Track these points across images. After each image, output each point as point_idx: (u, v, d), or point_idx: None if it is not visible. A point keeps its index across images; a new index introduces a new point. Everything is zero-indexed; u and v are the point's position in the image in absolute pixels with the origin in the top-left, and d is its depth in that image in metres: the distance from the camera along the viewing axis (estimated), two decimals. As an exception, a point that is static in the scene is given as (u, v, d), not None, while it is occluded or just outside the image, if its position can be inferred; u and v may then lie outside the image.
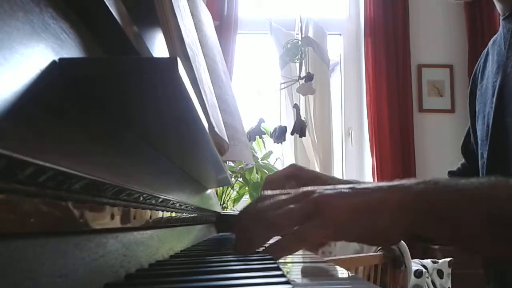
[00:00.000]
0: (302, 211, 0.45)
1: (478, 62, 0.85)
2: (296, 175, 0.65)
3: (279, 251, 0.45)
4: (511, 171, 0.65)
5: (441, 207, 0.44)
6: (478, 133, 0.78)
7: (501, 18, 0.75)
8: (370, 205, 0.45)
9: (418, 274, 1.97)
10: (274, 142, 2.06)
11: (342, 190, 0.46)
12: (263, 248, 0.47)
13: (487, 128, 0.73)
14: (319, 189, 0.47)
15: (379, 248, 1.72)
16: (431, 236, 0.46)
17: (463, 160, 0.91)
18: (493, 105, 0.71)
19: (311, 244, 0.47)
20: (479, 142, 0.77)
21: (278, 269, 0.37)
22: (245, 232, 0.49)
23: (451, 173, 0.92)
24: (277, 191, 0.51)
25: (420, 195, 0.44)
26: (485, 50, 0.82)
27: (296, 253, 0.58)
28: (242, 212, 0.53)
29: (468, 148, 0.87)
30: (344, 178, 0.74)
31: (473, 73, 0.86)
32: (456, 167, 0.92)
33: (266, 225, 0.46)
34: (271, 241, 0.47)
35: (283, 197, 0.48)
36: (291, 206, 0.46)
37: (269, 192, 0.51)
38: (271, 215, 0.46)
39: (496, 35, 0.78)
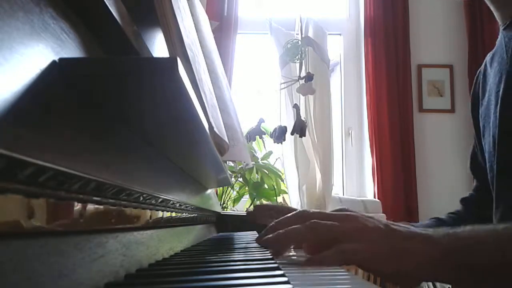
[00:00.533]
0: (345, 232, 0.50)
1: (475, 80, 0.85)
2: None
3: (321, 262, 0.48)
4: None
5: (462, 259, 0.48)
6: (486, 147, 0.77)
7: (501, 28, 0.75)
8: (402, 250, 0.49)
9: (418, 274, 1.97)
10: (274, 142, 2.06)
11: (381, 226, 0.52)
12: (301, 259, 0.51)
13: (493, 139, 0.72)
14: (358, 215, 0.53)
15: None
16: (447, 281, 0.51)
17: (474, 184, 0.92)
18: (497, 114, 0.70)
19: (347, 264, 0.50)
20: (487, 156, 0.77)
21: (278, 269, 0.37)
22: (284, 225, 0.53)
23: (464, 200, 0.94)
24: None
25: (447, 252, 0.49)
26: (482, 67, 0.82)
27: (296, 253, 0.58)
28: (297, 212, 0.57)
29: (476, 166, 0.88)
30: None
31: (472, 92, 0.86)
32: (469, 193, 0.93)
33: (311, 228, 0.51)
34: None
35: (332, 212, 0.54)
36: (336, 223, 0.51)
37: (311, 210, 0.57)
38: (317, 222, 0.51)
39: (494, 49, 0.78)
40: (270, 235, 0.52)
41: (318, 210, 0.56)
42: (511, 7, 0.72)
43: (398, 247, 0.50)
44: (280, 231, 0.52)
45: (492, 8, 0.76)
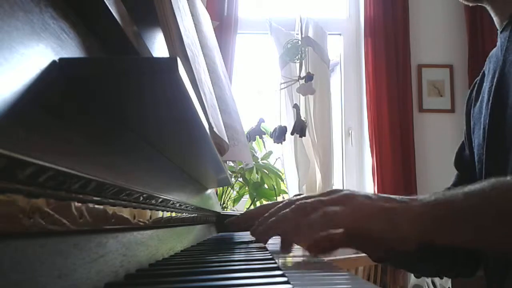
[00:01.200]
0: (330, 200, 0.51)
1: (472, 88, 0.86)
2: None
3: (310, 231, 0.49)
4: (509, 163, 0.66)
5: (455, 211, 0.48)
6: (475, 141, 0.78)
7: (498, 32, 0.76)
8: (393, 209, 0.50)
9: (418, 274, 1.97)
10: (274, 142, 2.06)
11: (368, 194, 0.53)
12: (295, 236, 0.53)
13: (484, 130, 0.73)
14: (346, 190, 0.54)
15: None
16: (444, 240, 0.49)
17: (453, 179, 0.94)
18: (489, 106, 0.71)
19: (334, 228, 0.50)
20: (476, 149, 0.78)
21: (278, 269, 0.37)
22: (273, 215, 0.55)
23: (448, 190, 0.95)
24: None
25: (436, 204, 0.49)
26: (478, 78, 0.83)
27: (296, 253, 0.58)
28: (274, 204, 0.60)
29: (462, 161, 0.89)
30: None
31: (467, 96, 0.87)
32: (451, 184, 0.95)
33: (296, 208, 0.52)
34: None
35: (317, 197, 0.54)
36: (321, 198, 0.52)
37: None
38: (302, 202, 0.52)
39: (491, 53, 0.79)
40: (261, 227, 0.55)
41: (304, 195, 0.58)
42: (506, 11, 0.73)
43: (386, 207, 0.50)
44: (271, 219, 0.54)
45: (492, 14, 0.77)
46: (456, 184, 0.94)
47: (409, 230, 0.49)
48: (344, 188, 0.70)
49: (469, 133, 0.83)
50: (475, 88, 0.83)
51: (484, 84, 0.78)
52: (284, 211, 0.54)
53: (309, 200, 0.53)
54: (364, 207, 0.50)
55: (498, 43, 0.75)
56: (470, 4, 0.79)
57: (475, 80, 0.85)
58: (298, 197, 0.57)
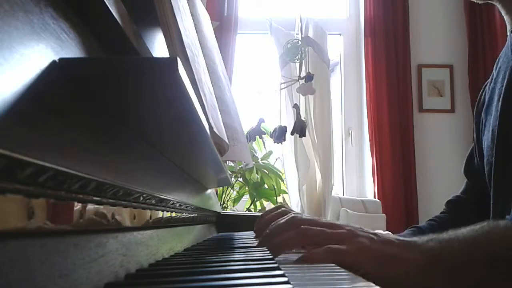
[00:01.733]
0: (333, 235, 0.53)
1: (482, 90, 0.85)
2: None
3: (315, 259, 0.51)
4: None
5: (447, 262, 0.51)
6: (485, 144, 0.78)
7: (508, 31, 0.76)
8: (393, 256, 0.52)
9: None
10: (274, 142, 2.06)
11: (371, 235, 0.54)
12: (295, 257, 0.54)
13: (493, 132, 0.73)
14: (348, 226, 0.56)
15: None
16: (435, 286, 0.52)
17: (463, 187, 0.93)
18: (499, 108, 0.71)
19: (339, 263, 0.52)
20: (485, 152, 0.77)
21: (278, 269, 0.37)
22: (281, 232, 0.56)
23: (451, 203, 0.96)
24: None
25: (432, 257, 0.51)
26: (490, 78, 0.83)
27: (296, 253, 0.58)
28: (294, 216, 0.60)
29: (471, 169, 0.89)
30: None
31: (477, 102, 0.86)
32: (454, 196, 0.95)
33: (302, 234, 0.54)
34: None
35: (323, 220, 0.58)
36: (327, 230, 0.54)
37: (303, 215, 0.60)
38: (308, 228, 0.54)
39: (500, 53, 0.79)
40: (272, 240, 0.56)
41: (310, 217, 0.59)
42: None
43: (387, 253, 0.52)
44: (274, 240, 0.55)
45: (503, 12, 0.77)
46: (464, 192, 0.93)
47: (407, 278, 0.51)
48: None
49: (479, 136, 0.82)
50: (484, 91, 0.83)
51: (493, 85, 0.77)
52: (288, 234, 0.55)
53: (315, 229, 0.54)
54: (367, 250, 0.52)
55: (508, 42, 0.75)
56: (480, 3, 0.78)
57: (485, 83, 0.84)
58: (303, 217, 0.58)
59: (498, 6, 0.77)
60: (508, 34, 0.76)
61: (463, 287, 0.52)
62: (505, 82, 0.71)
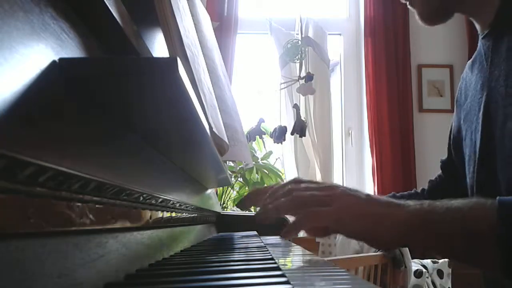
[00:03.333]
0: (322, 197, 0.57)
1: (459, 87, 0.86)
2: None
3: (294, 226, 0.57)
4: (500, 184, 0.66)
5: (430, 224, 0.52)
6: (466, 150, 0.78)
7: (480, 37, 0.76)
8: (374, 214, 0.54)
9: (418, 274, 1.97)
10: (274, 142, 2.06)
11: (359, 194, 0.57)
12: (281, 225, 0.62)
13: (474, 145, 0.73)
14: (343, 187, 0.59)
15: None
16: (417, 246, 0.54)
17: (435, 177, 0.97)
18: (480, 121, 0.71)
19: (318, 225, 0.58)
20: (466, 159, 0.78)
21: (278, 269, 0.37)
22: (274, 199, 0.62)
23: (430, 182, 1.02)
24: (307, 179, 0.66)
25: (413, 214, 0.53)
26: (464, 73, 0.83)
27: (296, 253, 0.58)
28: (276, 186, 0.67)
29: (449, 165, 0.91)
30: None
31: (455, 99, 0.87)
32: (434, 177, 0.98)
33: (292, 200, 0.59)
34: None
35: (313, 185, 0.61)
36: (316, 192, 0.58)
37: (304, 178, 0.66)
38: (298, 193, 0.59)
39: (473, 56, 0.78)
40: (262, 214, 0.64)
41: (308, 181, 0.64)
42: (486, 17, 0.72)
43: (374, 211, 0.55)
44: (268, 207, 0.61)
45: (471, 19, 0.77)
46: (435, 181, 0.98)
47: (386, 236, 0.54)
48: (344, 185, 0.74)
49: (460, 142, 0.82)
50: (462, 90, 0.83)
51: (472, 87, 0.77)
52: (281, 201, 0.60)
53: (305, 193, 0.59)
54: (350, 209, 0.55)
55: (480, 49, 0.75)
56: (435, 24, 0.76)
57: (460, 82, 0.84)
58: (297, 185, 0.63)
59: (464, 13, 0.77)
60: (480, 40, 0.75)
61: (442, 253, 0.55)
62: (484, 94, 0.71)
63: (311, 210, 0.56)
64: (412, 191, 1.00)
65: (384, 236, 0.54)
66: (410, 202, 0.55)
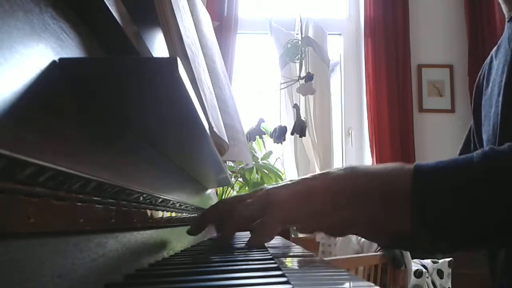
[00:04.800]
0: (256, 205, 0.53)
1: (480, 71, 0.85)
2: None
3: (256, 242, 0.55)
4: None
5: (348, 188, 0.50)
6: (484, 136, 0.77)
7: (506, 20, 0.75)
8: (305, 191, 0.51)
9: (418, 274, 1.97)
10: (274, 142, 2.06)
11: (286, 182, 0.54)
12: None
13: (494, 128, 0.73)
14: (272, 184, 0.57)
15: (379, 248, 1.72)
16: (349, 215, 0.50)
17: None
18: (500, 104, 0.71)
19: (274, 233, 0.55)
20: (485, 144, 0.77)
21: (278, 269, 0.37)
22: (222, 225, 0.59)
23: None
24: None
25: (337, 178, 0.51)
26: (488, 59, 0.82)
27: (296, 253, 0.58)
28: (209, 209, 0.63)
29: (467, 153, 0.89)
30: None
31: (476, 83, 0.86)
32: None
33: (227, 221, 0.57)
34: None
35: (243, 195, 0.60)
36: (248, 201, 0.55)
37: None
38: (235, 213, 0.55)
39: (499, 41, 0.78)
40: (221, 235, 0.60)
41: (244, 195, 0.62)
42: None
43: (301, 190, 0.51)
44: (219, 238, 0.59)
45: (500, 1, 0.76)
46: None
47: (321, 208, 0.50)
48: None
49: (478, 125, 0.82)
50: (484, 76, 0.82)
51: (493, 73, 0.77)
52: (225, 224, 0.57)
53: (238, 208, 0.55)
54: (282, 204, 0.52)
55: (506, 32, 0.75)
56: None
57: (482, 67, 0.84)
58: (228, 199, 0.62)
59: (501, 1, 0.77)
60: (506, 23, 0.75)
61: (359, 222, 0.51)
62: (505, 77, 0.70)
63: (259, 225, 0.53)
64: None
65: (320, 210, 0.50)
66: (335, 169, 0.53)
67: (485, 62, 0.84)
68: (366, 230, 0.52)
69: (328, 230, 0.53)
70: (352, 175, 0.51)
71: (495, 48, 0.80)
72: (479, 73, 0.85)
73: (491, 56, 0.81)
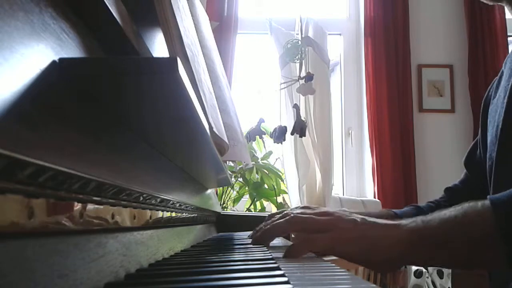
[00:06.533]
0: (321, 222, 0.57)
1: (490, 86, 0.87)
2: None
3: (293, 251, 0.55)
4: None
5: (428, 238, 0.53)
6: (488, 138, 0.78)
7: None
8: (371, 237, 0.54)
9: (418, 274, 1.97)
10: (274, 142, 2.06)
11: (356, 218, 0.57)
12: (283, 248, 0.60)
13: (497, 128, 0.73)
14: (339, 212, 0.60)
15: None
16: (420, 264, 0.57)
17: (462, 176, 0.94)
18: (505, 105, 0.71)
19: (315, 250, 0.58)
20: (488, 145, 0.78)
21: (278, 269, 0.37)
22: (271, 221, 0.62)
23: (448, 190, 0.98)
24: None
25: (410, 232, 0.54)
26: (499, 73, 0.83)
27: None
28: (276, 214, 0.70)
29: (472, 161, 0.89)
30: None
31: (484, 97, 0.87)
32: (453, 184, 0.95)
33: (290, 220, 0.59)
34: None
35: (309, 210, 0.62)
36: (314, 216, 0.58)
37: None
38: (297, 216, 0.59)
39: (509, 53, 0.79)
40: (258, 233, 0.63)
41: (305, 205, 0.68)
42: None
43: (368, 234, 0.55)
44: (266, 227, 0.62)
45: (510, 12, 0.78)
46: (462, 182, 0.95)
47: (384, 257, 0.54)
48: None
49: (484, 131, 0.83)
50: (493, 87, 0.83)
51: (502, 83, 0.78)
52: (279, 221, 0.61)
53: (303, 216, 0.59)
54: (345, 235, 0.55)
55: None
56: (490, 4, 0.79)
57: (494, 79, 0.85)
58: (297, 210, 0.64)
59: (507, 7, 0.78)
60: None
61: (445, 264, 0.56)
62: (511, 82, 0.71)
63: (307, 238, 0.57)
64: (432, 204, 0.97)
65: (382, 258, 0.54)
66: (404, 221, 0.56)
67: (494, 79, 0.85)
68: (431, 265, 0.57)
69: (385, 270, 0.58)
70: (425, 227, 0.53)
71: (505, 60, 0.81)
72: (489, 88, 0.86)
73: (501, 71, 0.82)
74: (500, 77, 0.81)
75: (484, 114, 0.85)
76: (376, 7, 2.64)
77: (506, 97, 0.71)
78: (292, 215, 0.60)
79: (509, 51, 0.79)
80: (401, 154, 2.53)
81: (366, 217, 0.58)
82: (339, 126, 2.74)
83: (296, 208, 0.68)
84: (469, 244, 0.50)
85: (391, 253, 0.53)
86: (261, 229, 0.64)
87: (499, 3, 0.79)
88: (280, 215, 0.64)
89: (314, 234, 0.56)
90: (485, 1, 0.80)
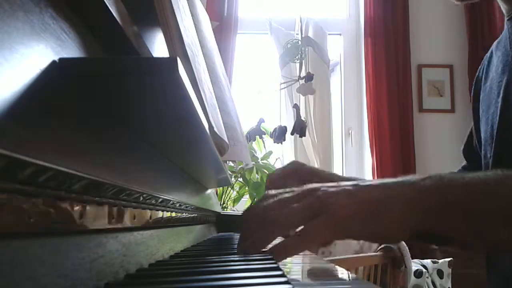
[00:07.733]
0: (306, 210, 0.44)
1: (481, 65, 0.84)
2: (296, 171, 0.68)
3: (284, 251, 0.44)
4: None
5: (451, 201, 0.43)
6: (482, 134, 0.77)
7: (506, 18, 0.75)
8: (375, 202, 0.43)
9: (418, 274, 1.97)
10: (274, 142, 2.06)
11: (346, 187, 0.45)
12: (267, 249, 0.46)
13: (492, 128, 0.72)
14: (323, 186, 0.46)
15: (380, 247, 1.72)
16: (441, 231, 0.44)
17: (464, 163, 0.92)
18: (499, 105, 0.70)
19: (316, 244, 0.46)
20: (483, 142, 0.77)
21: (278, 269, 0.37)
22: (249, 233, 0.47)
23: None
24: (281, 190, 0.49)
25: (428, 191, 0.43)
26: (488, 52, 0.82)
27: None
28: (246, 211, 0.51)
29: (470, 149, 0.88)
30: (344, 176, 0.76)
31: (476, 75, 0.85)
32: (457, 170, 0.92)
33: (270, 225, 0.45)
34: (276, 241, 0.46)
35: (287, 195, 0.47)
36: (295, 205, 0.45)
37: (272, 191, 0.49)
38: (274, 215, 0.45)
39: (500, 37, 0.78)
40: (242, 244, 0.48)
41: (278, 192, 0.49)
42: None
43: (369, 202, 0.44)
44: (246, 243, 0.47)
45: (498, 0, 0.76)
46: (465, 168, 0.93)
47: (398, 226, 0.43)
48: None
49: (477, 125, 0.81)
50: (484, 70, 0.82)
51: (493, 69, 0.76)
52: (258, 236, 0.46)
53: (283, 211, 0.45)
54: (343, 215, 0.43)
55: (505, 32, 0.74)
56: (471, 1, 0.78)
57: (483, 61, 0.83)
58: (269, 201, 0.47)
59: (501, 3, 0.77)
60: (505, 22, 0.75)
61: (469, 237, 0.44)
62: (505, 78, 0.70)
63: (303, 232, 0.44)
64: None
65: (392, 226, 0.43)
66: (414, 178, 0.45)
67: (485, 56, 0.83)
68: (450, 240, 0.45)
69: (381, 239, 0.46)
70: (449, 187, 0.44)
71: (495, 42, 0.80)
72: (480, 67, 0.85)
73: (491, 51, 0.80)
74: (491, 58, 0.80)
75: (476, 97, 0.83)
76: (376, 7, 2.64)
77: (501, 97, 0.70)
78: (269, 220, 0.45)
79: (501, 35, 0.77)
80: (401, 154, 2.54)
81: (360, 183, 0.47)
82: (339, 126, 2.74)
83: (266, 196, 0.49)
84: (506, 219, 0.42)
85: (399, 219, 0.43)
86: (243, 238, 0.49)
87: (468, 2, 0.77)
88: (256, 219, 0.47)
89: (307, 226, 0.44)
90: (463, 2, 0.78)
